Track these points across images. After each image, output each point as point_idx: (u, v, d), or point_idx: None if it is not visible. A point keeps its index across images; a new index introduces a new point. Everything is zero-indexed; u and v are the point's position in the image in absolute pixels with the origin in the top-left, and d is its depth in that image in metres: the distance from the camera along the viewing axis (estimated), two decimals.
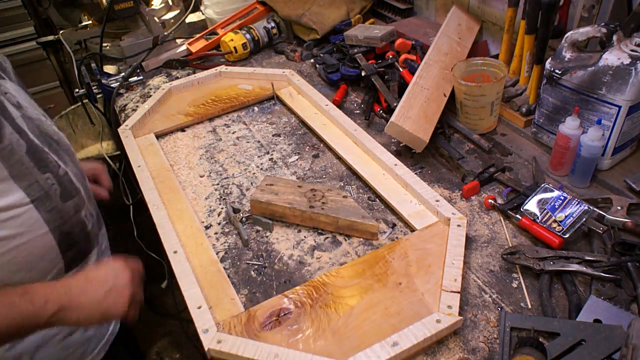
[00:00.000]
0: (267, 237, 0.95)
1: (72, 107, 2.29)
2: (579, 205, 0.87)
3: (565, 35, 0.98)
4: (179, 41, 1.68)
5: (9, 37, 2.69)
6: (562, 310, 0.76)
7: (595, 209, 0.88)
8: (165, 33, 1.68)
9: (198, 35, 1.65)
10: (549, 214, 0.87)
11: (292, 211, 0.95)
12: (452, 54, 1.26)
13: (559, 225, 0.85)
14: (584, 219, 0.85)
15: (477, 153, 1.10)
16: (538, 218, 0.87)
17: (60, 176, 0.77)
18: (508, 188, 0.98)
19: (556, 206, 0.88)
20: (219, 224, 0.99)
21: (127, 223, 1.50)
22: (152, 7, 1.80)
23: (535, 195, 0.90)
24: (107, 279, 0.72)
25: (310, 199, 0.95)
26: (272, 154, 1.16)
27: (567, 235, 0.84)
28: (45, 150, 0.76)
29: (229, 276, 0.87)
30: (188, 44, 1.62)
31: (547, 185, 0.91)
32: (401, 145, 1.12)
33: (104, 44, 1.62)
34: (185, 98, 1.38)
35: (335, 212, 0.92)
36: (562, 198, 0.89)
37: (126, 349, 1.02)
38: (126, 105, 1.43)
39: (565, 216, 0.86)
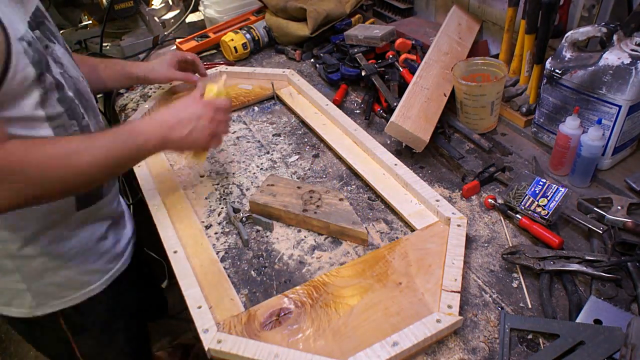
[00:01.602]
0: (267, 236, 0.95)
1: None
2: (559, 189, 0.88)
3: (566, 35, 0.98)
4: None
5: None
6: (562, 310, 0.76)
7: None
8: (165, 33, 1.68)
9: (189, 36, 1.65)
10: (530, 200, 0.88)
11: (287, 214, 0.95)
12: (452, 54, 1.26)
13: (544, 210, 0.86)
14: (567, 202, 0.87)
15: (477, 153, 1.10)
16: (521, 204, 0.89)
17: (82, 126, 0.88)
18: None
19: (537, 191, 0.89)
20: (219, 223, 0.99)
21: None
22: (152, 7, 1.80)
23: (517, 184, 0.93)
24: (191, 120, 0.87)
25: (306, 201, 0.95)
26: (272, 154, 1.16)
27: (553, 219, 0.85)
28: (76, 102, 0.87)
29: (229, 276, 0.87)
30: (178, 43, 1.62)
31: (525, 172, 0.95)
32: (401, 145, 1.12)
33: (104, 44, 1.62)
34: None
35: (327, 216, 0.92)
36: (542, 183, 0.90)
37: (132, 285, 1.11)
38: (126, 105, 1.43)
39: (548, 200, 0.87)
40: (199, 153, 0.97)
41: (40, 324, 0.99)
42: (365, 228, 0.90)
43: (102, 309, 1.04)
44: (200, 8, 1.81)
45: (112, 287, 1.03)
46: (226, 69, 1.46)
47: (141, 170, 1.09)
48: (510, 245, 0.87)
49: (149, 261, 1.57)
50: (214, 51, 1.66)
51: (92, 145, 0.77)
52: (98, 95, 1.55)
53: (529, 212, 0.88)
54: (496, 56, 1.28)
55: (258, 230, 0.96)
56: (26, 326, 1.02)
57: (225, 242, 0.95)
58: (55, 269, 0.93)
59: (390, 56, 1.33)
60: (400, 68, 1.29)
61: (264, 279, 0.87)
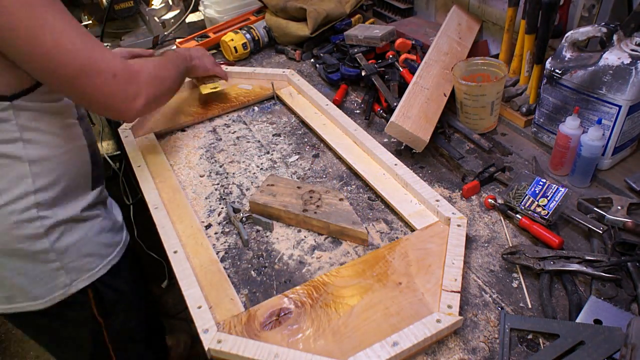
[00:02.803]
0: (267, 236, 0.95)
1: None
2: (559, 189, 0.88)
3: (566, 35, 0.98)
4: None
5: None
6: (562, 310, 0.76)
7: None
8: (165, 33, 1.68)
9: (189, 37, 1.65)
10: (530, 200, 0.88)
11: (286, 214, 0.95)
12: (452, 54, 1.26)
13: (544, 209, 0.86)
14: (567, 202, 0.87)
15: (477, 153, 1.10)
16: (521, 204, 0.89)
17: (84, 111, 1.01)
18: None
19: (537, 191, 0.89)
20: (219, 223, 0.99)
21: (127, 223, 1.50)
22: (152, 7, 1.80)
23: (517, 183, 0.93)
24: (199, 53, 1.27)
25: (306, 201, 0.95)
26: (272, 154, 1.16)
27: (553, 219, 0.85)
28: None
29: (229, 276, 0.87)
30: (178, 43, 1.62)
31: (525, 172, 0.95)
32: (401, 145, 1.12)
33: (104, 44, 1.62)
34: (185, 98, 1.38)
35: (326, 216, 0.92)
36: (542, 183, 0.90)
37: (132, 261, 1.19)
38: None
39: (548, 200, 0.87)
40: (206, 85, 1.29)
41: (69, 309, 1.01)
42: (365, 228, 0.90)
43: (125, 280, 1.10)
44: (200, 8, 1.81)
45: (126, 257, 1.09)
46: (226, 68, 1.46)
47: (141, 170, 1.09)
48: (510, 245, 0.87)
49: (150, 262, 1.58)
50: (214, 51, 1.66)
51: (168, 61, 1.07)
52: None
53: (529, 212, 0.88)
54: (496, 56, 1.28)
55: (258, 230, 0.96)
56: (47, 320, 1.02)
57: (225, 242, 0.95)
58: (81, 239, 0.97)
59: (390, 56, 1.33)
60: (400, 68, 1.29)
61: (264, 279, 0.87)
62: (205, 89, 1.26)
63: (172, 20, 1.78)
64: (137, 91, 0.89)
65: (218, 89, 1.26)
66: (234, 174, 1.12)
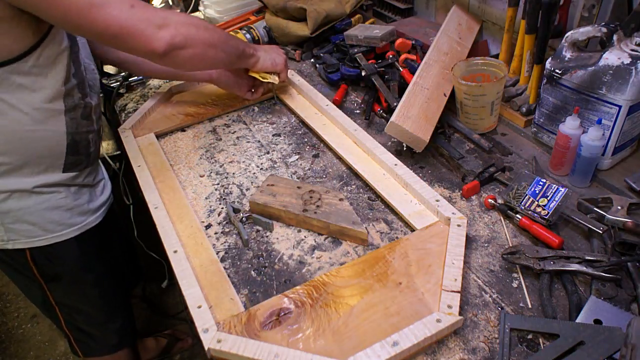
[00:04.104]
0: (267, 236, 0.95)
1: None
2: (559, 189, 0.88)
3: (566, 35, 0.98)
4: None
5: None
6: (562, 310, 0.76)
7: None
8: None
9: None
10: (530, 200, 0.88)
11: (286, 214, 0.95)
12: (452, 54, 1.26)
13: (544, 209, 0.86)
14: (567, 202, 0.87)
15: (477, 153, 1.10)
16: (521, 204, 0.89)
17: (86, 102, 1.04)
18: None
19: (537, 191, 0.89)
20: (219, 223, 0.99)
21: (127, 223, 1.50)
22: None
23: (517, 184, 0.93)
24: (277, 49, 1.24)
25: (306, 201, 0.95)
26: (272, 154, 1.16)
27: (553, 219, 0.85)
28: (85, 80, 1.05)
29: (229, 276, 0.87)
30: None
31: (525, 172, 0.95)
32: (401, 145, 1.12)
33: None
34: (185, 98, 1.38)
35: (326, 216, 0.92)
36: (542, 183, 0.90)
37: (104, 245, 1.25)
38: (126, 105, 1.43)
39: (548, 200, 0.87)
40: (267, 75, 1.21)
41: (12, 260, 1.11)
42: (365, 228, 0.90)
43: (71, 259, 1.14)
44: (200, 8, 1.81)
45: (81, 240, 1.13)
46: None
47: (141, 170, 1.09)
48: (510, 245, 0.87)
49: (150, 262, 1.58)
50: None
51: (221, 31, 1.04)
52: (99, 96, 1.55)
53: (529, 212, 0.88)
54: (496, 56, 1.28)
55: (258, 230, 0.96)
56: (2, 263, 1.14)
57: (225, 242, 0.95)
58: (27, 208, 1.02)
59: (390, 56, 1.33)
60: (400, 68, 1.29)
61: (264, 279, 0.87)
62: (254, 74, 1.20)
63: None
64: (164, 21, 0.88)
65: (267, 80, 1.19)
66: (234, 174, 1.12)
